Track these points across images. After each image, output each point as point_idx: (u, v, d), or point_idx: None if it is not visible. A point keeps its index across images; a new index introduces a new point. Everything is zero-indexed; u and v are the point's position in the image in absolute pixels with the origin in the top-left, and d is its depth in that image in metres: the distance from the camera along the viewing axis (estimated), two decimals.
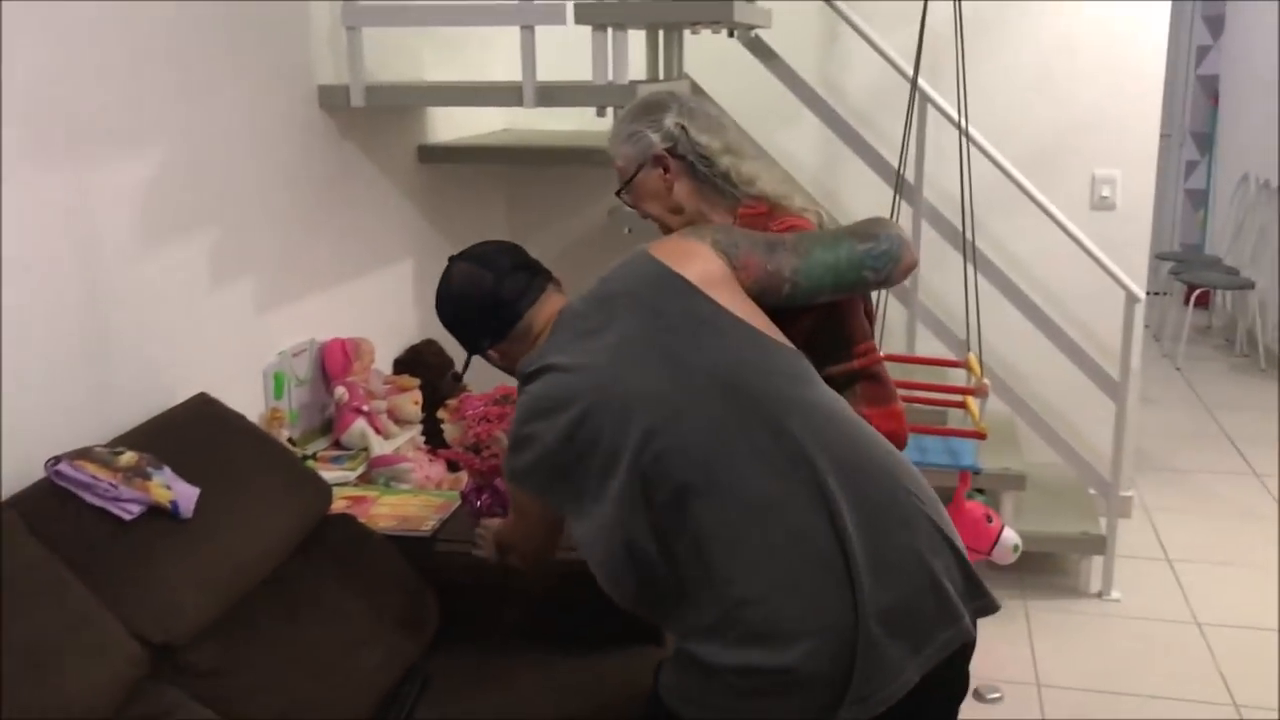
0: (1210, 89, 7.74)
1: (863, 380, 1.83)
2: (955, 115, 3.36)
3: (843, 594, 1.51)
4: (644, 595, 1.63)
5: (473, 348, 1.87)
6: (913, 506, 1.60)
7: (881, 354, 1.96)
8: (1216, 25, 7.65)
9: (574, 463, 1.63)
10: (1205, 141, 7.81)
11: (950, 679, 1.63)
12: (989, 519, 3.04)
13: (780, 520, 1.54)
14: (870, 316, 1.93)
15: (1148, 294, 3.80)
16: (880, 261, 1.78)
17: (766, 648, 1.51)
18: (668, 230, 1.94)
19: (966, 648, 1.60)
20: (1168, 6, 3.81)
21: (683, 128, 1.91)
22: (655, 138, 1.91)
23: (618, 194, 2.01)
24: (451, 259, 1.88)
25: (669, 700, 1.61)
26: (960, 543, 1.64)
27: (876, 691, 1.50)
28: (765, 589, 1.52)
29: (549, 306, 1.80)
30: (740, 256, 1.74)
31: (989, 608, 1.64)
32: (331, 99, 2.92)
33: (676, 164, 1.91)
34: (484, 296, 1.81)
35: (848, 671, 1.49)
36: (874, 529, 1.55)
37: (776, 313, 1.76)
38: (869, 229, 1.82)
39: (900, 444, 1.83)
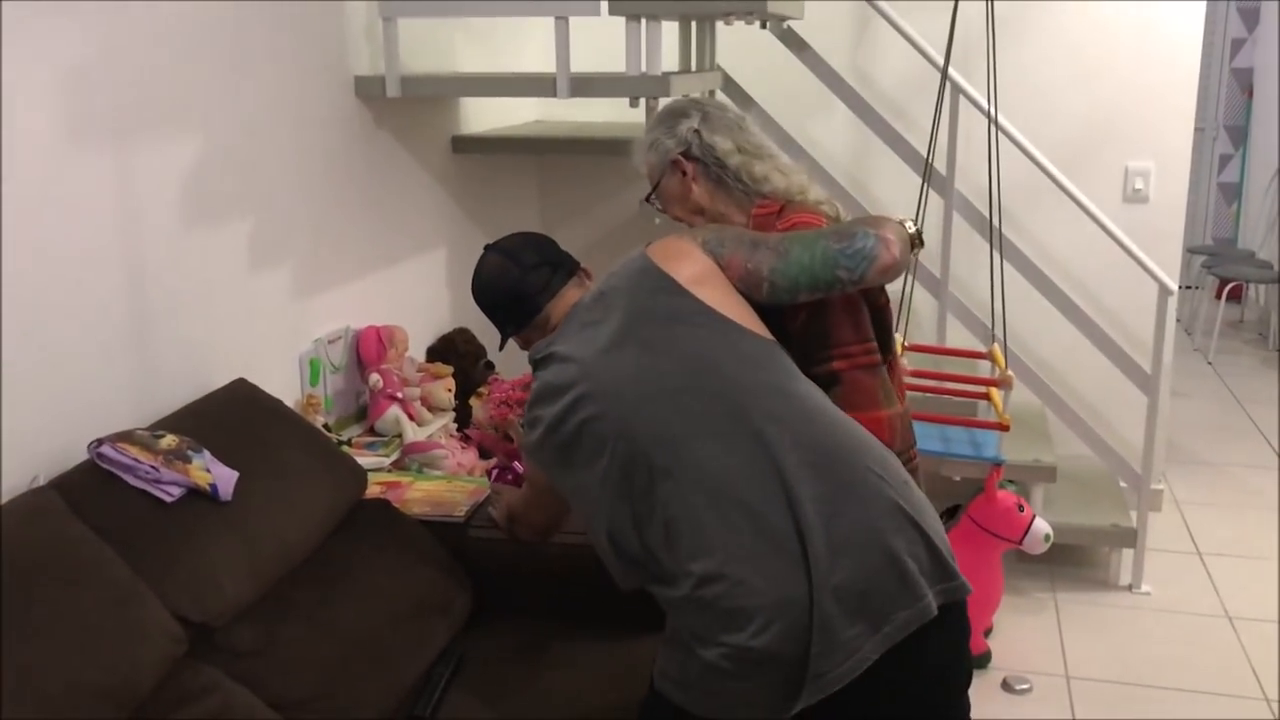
0: (1245, 82, 7.66)
1: (841, 384, 1.81)
2: (985, 105, 3.35)
3: (797, 572, 1.54)
4: (630, 579, 1.73)
5: (501, 331, 1.98)
6: (876, 487, 1.62)
7: (907, 345, 1.95)
8: (1251, 18, 7.57)
9: (569, 445, 1.73)
10: (1239, 135, 7.73)
11: (934, 665, 1.62)
12: (1020, 508, 3.05)
13: (737, 499, 1.59)
14: (883, 321, 1.89)
15: (1180, 288, 3.78)
16: (853, 260, 1.77)
17: (729, 627, 1.55)
18: None
19: (931, 629, 1.58)
20: None
21: (697, 131, 1.97)
22: (671, 143, 1.98)
23: (648, 200, 2.08)
24: (487, 248, 1.98)
25: (659, 683, 1.67)
26: (930, 524, 1.64)
27: (832, 669, 1.53)
28: (723, 567, 1.56)
29: (567, 299, 1.89)
30: (725, 255, 1.80)
31: (958, 590, 1.63)
32: (367, 89, 2.95)
33: (693, 166, 1.97)
34: (509, 289, 1.91)
35: (806, 651, 1.52)
36: (833, 508, 1.58)
37: (776, 310, 1.80)
38: (848, 228, 1.82)
39: None
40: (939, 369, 3.36)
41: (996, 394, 3.08)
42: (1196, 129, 4.00)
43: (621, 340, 1.73)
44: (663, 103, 2.26)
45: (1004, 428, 3.04)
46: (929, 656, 1.60)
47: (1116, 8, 3.81)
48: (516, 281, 1.91)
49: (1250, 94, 7.63)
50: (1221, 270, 6.45)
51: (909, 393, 2.35)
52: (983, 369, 3.58)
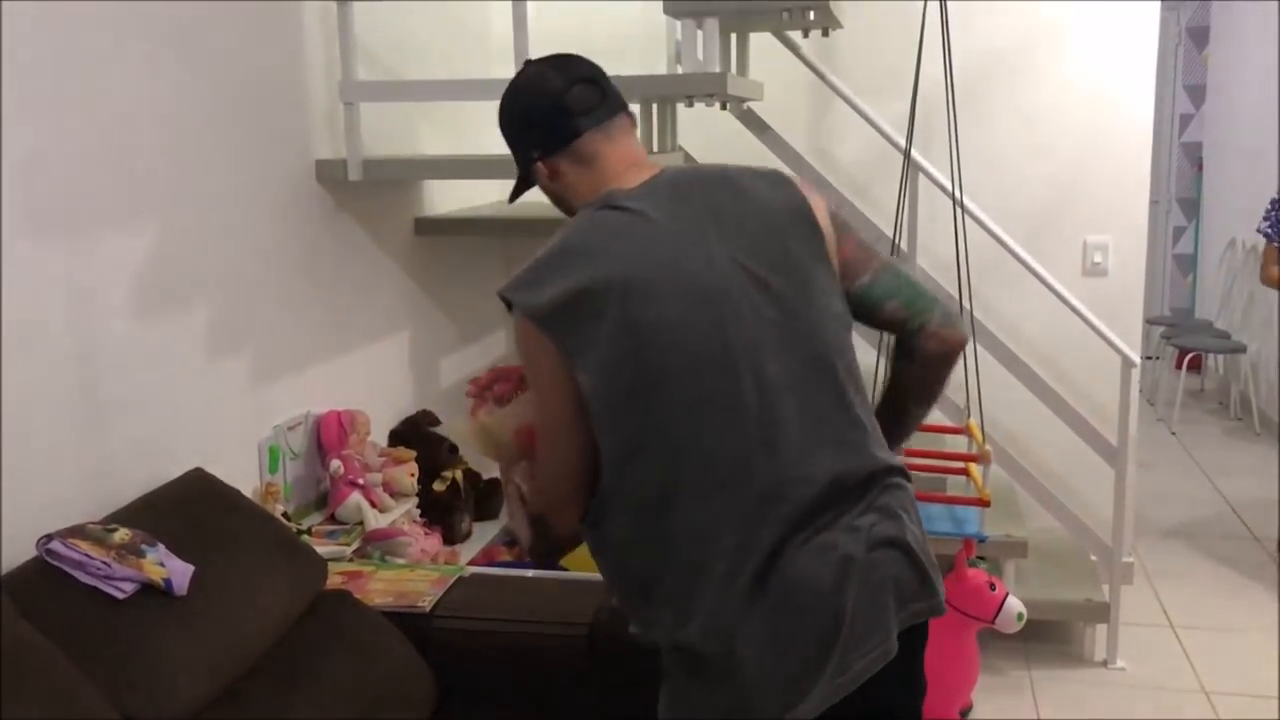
0: (1194, 156, 7.84)
1: None
2: (949, 185, 3.39)
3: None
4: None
5: (523, 161, 1.71)
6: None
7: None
8: (1197, 94, 7.77)
9: (599, 301, 1.51)
10: (1191, 207, 7.89)
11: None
12: (992, 587, 3.02)
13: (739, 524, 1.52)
14: None
15: (1141, 359, 3.81)
16: (948, 317, 1.72)
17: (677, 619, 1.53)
18: None
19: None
20: (1153, 77, 3.87)
21: None
22: None
23: None
24: (528, 61, 1.73)
25: None
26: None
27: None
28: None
29: (619, 144, 1.66)
30: (847, 231, 1.69)
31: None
32: (329, 173, 2.93)
33: None
34: (547, 100, 1.65)
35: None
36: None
37: None
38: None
39: None
40: (910, 445, 3.34)
41: (976, 469, 3.07)
42: (1151, 202, 4.07)
43: (741, 263, 1.54)
44: None
45: (984, 503, 3.02)
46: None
47: (1070, 86, 3.88)
48: (559, 92, 1.63)
49: (1200, 168, 7.80)
50: (1181, 341, 6.53)
51: None
52: (953, 444, 3.57)
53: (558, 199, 1.73)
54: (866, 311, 1.71)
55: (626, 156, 1.67)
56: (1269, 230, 4.00)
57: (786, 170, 1.75)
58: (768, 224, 1.61)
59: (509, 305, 1.58)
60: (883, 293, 1.70)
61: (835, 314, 1.63)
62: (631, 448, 1.52)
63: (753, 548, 1.50)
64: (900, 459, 1.69)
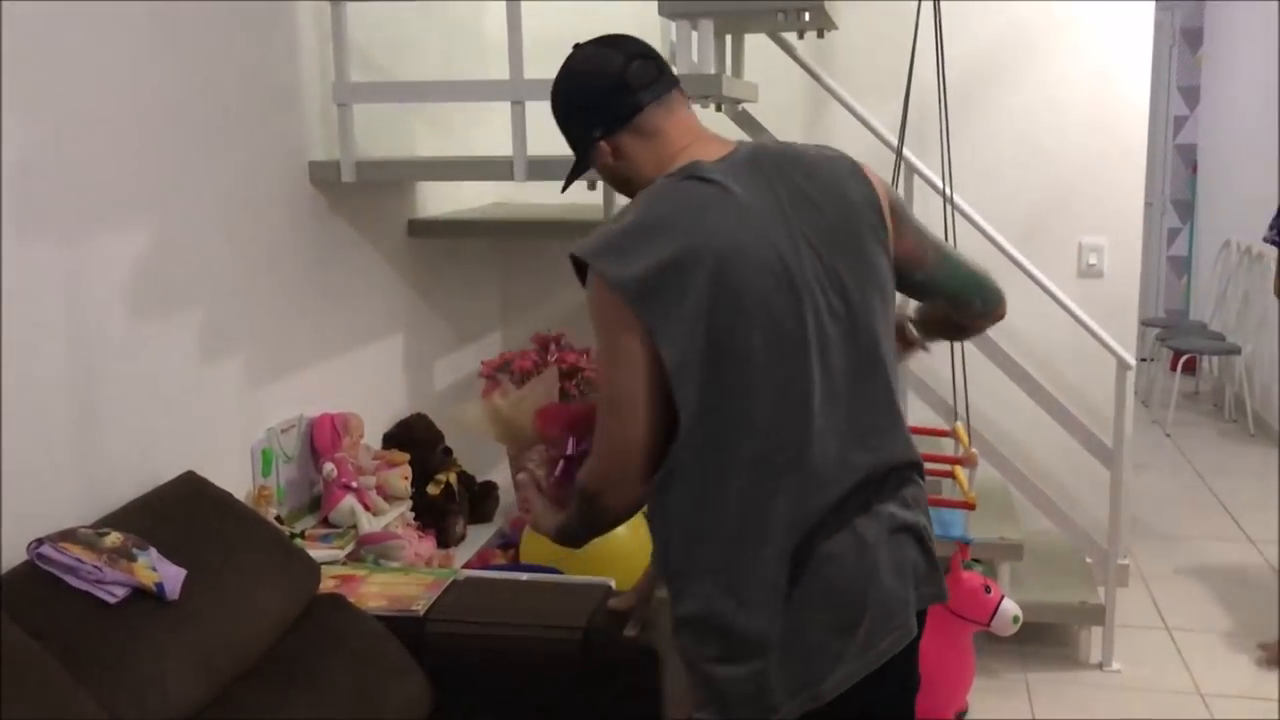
0: (1188, 158, 7.85)
1: None
2: (940, 185, 3.38)
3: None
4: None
5: (583, 143, 1.67)
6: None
7: None
8: (1191, 96, 7.78)
9: (689, 273, 1.49)
10: (1186, 209, 7.90)
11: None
12: (987, 589, 3.01)
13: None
14: None
15: (1137, 360, 3.80)
16: (987, 303, 1.83)
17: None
18: None
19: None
20: (1147, 79, 3.87)
21: None
22: None
23: None
24: (577, 45, 1.71)
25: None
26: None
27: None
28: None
29: (678, 114, 1.65)
30: (908, 219, 1.73)
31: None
32: (322, 175, 2.92)
33: None
34: (607, 77, 1.63)
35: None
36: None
37: None
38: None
39: None
40: None
41: (961, 472, 3.05)
42: (1145, 204, 4.07)
43: (815, 247, 1.56)
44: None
45: (970, 506, 3.01)
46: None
47: (1065, 87, 3.88)
48: (619, 69, 1.62)
49: (1194, 169, 7.81)
50: (1176, 342, 6.54)
51: None
52: (944, 446, 3.56)
53: (619, 179, 1.69)
54: (917, 297, 1.84)
55: (688, 129, 1.66)
56: (1278, 239, 3.83)
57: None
58: (841, 211, 1.61)
59: (580, 269, 1.56)
60: (936, 288, 1.80)
61: (888, 307, 1.66)
62: (706, 421, 1.52)
63: (797, 527, 1.54)
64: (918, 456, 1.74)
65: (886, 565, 1.59)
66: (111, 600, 1.85)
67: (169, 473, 2.29)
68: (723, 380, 1.51)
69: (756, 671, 1.55)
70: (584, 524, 1.68)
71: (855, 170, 1.68)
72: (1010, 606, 2.99)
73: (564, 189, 1.81)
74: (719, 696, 1.58)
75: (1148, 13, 3.83)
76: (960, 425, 3.20)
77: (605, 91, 1.63)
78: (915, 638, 1.66)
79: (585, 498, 1.62)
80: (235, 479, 2.55)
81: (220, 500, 2.28)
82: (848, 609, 1.56)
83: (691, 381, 1.50)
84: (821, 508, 1.55)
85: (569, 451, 1.81)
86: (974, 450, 3.12)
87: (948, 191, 3.34)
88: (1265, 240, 3.80)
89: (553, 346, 1.74)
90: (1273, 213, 4.21)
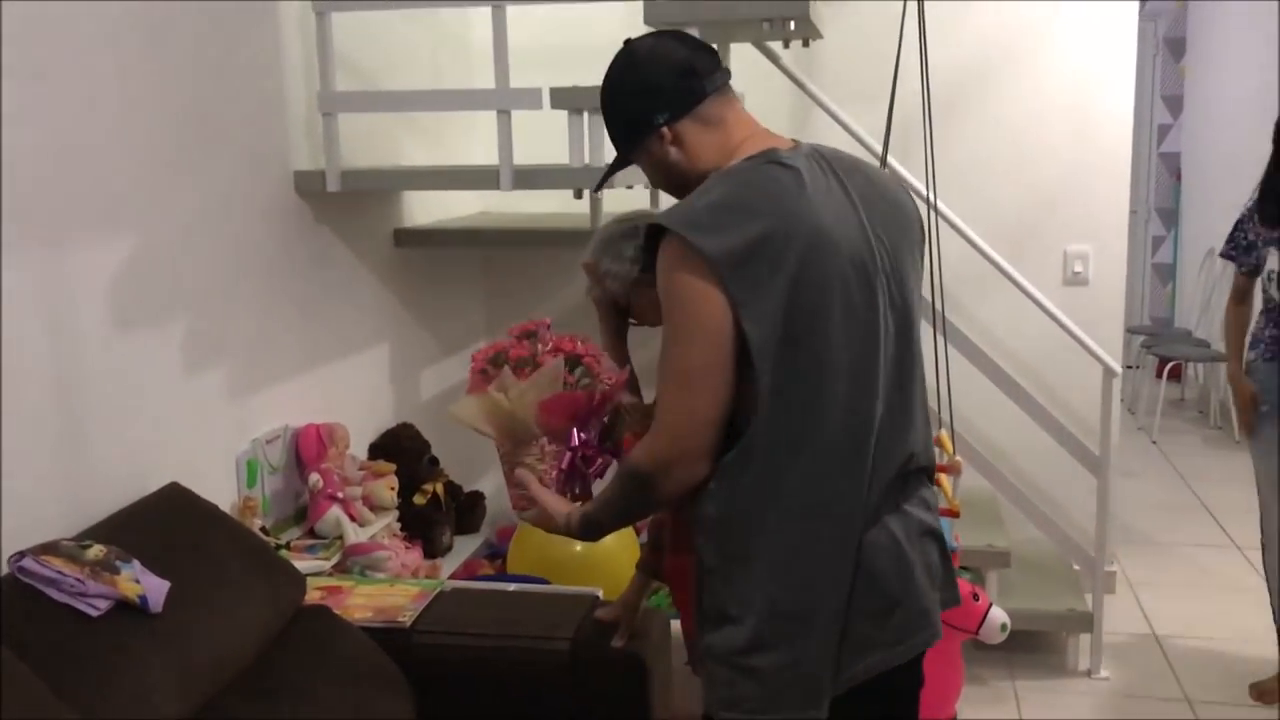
0: (1172, 166, 7.89)
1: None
2: (925, 192, 3.39)
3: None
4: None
5: (642, 129, 1.64)
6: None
7: None
8: (1175, 105, 7.82)
9: (779, 251, 1.51)
10: (1170, 217, 7.94)
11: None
12: (975, 597, 3.00)
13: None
14: None
15: (1122, 368, 3.81)
16: None
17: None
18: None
19: None
20: (1131, 88, 3.89)
21: (639, 249, 1.90)
22: (624, 268, 1.90)
23: (629, 322, 1.98)
24: (628, 41, 1.70)
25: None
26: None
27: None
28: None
29: (736, 106, 1.67)
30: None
31: None
32: (307, 184, 2.91)
33: None
34: (675, 62, 1.63)
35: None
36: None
37: None
38: None
39: None
40: None
41: (945, 480, 3.06)
42: (1130, 211, 4.08)
43: (878, 246, 1.60)
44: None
45: (954, 514, 3.01)
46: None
47: (1050, 96, 3.89)
48: (688, 56, 1.63)
49: (1178, 177, 7.85)
50: (1161, 350, 6.56)
51: None
52: None
53: (671, 171, 1.67)
54: None
55: (748, 121, 1.68)
56: (1233, 253, 3.49)
57: None
58: (897, 217, 1.67)
59: (651, 239, 1.56)
60: None
61: (920, 314, 1.71)
62: (777, 402, 1.53)
63: (854, 512, 1.58)
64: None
65: (920, 564, 1.65)
66: (94, 613, 1.83)
67: (153, 484, 2.28)
68: (799, 362, 1.52)
69: (796, 659, 1.57)
70: (627, 510, 1.64)
71: (904, 188, 1.75)
72: (998, 614, 2.99)
73: (597, 189, 1.83)
74: (758, 688, 1.59)
75: (1131, 22, 3.85)
76: (944, 433, 3.20)
77: (674, 75, 1.62)
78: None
79: (638, 480, 1.57)
80: (220, 490, 2.53)
81: (205, 512, 2.27)
82: (886, 598, 1.61)
83: (770, 359, 1.51)
84: (870, 496, 1.59)
85: (574, 443, 1.78)
86: (958, 458, 3.13)
87: (932, 199, 3.35)
88: (1221, 255, 3.66)
89: (546, 333, 1.69)
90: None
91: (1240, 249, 3.42)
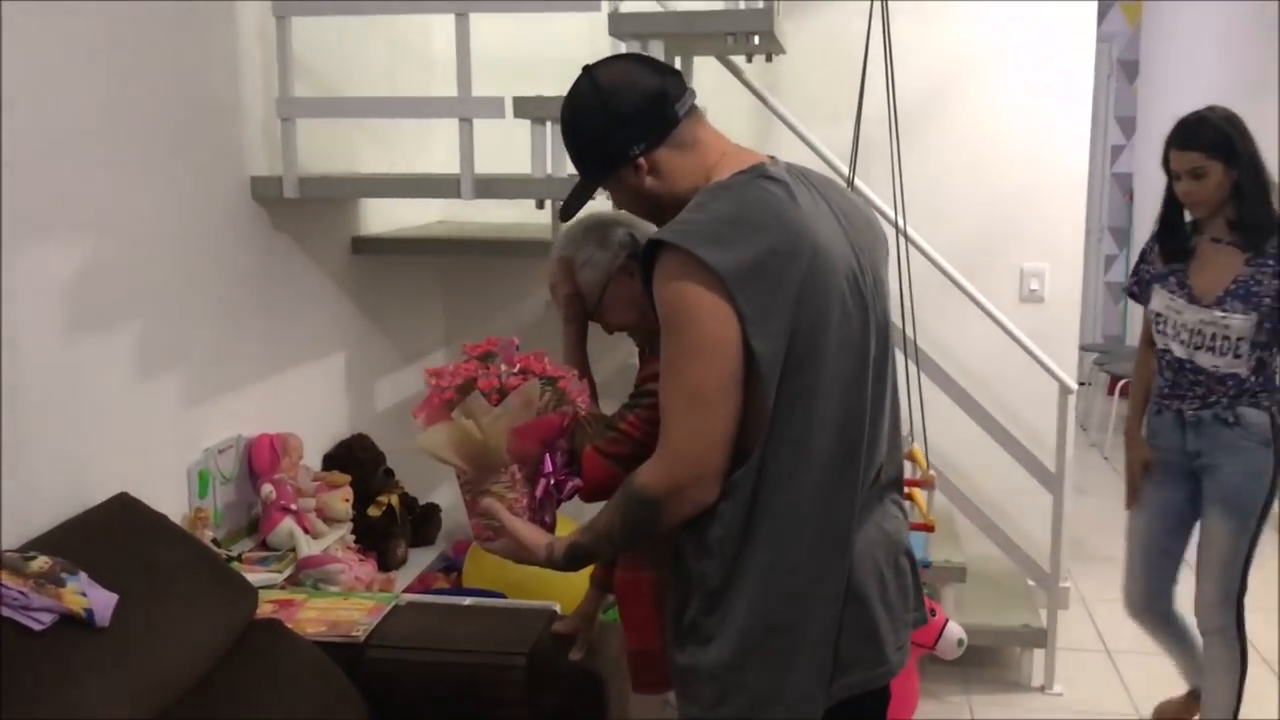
0: (1125, 186, 8.01)
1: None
2: (891, 214, 3.40)
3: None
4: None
5: (616, 162, 1.59)
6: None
7: None
8: (1128, 126, 7.95)
9: (786, 266, 1.50)
10: (1122, 236, 8.05)
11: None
12: (932, 612, 3.01)
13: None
14: None
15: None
16: None
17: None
18: (648, 337, 1.90)
19: None
20: (1088, 109, 3.93)
21: (631, 236, 1.93)
22: (609, 255, 1.91)
23: (591, 318, 1.97)
24: (587, 68, 1.63)
25: None
26: None
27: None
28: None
29: (706, 124, 1.64)
30: None
31: None
32: (264, 190, 2.87)
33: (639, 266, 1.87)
34: (647, 91, 1.57)
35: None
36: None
37: None
38: None
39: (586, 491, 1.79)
40: None
41: (919, 494, 3.07)
42: (1084, 231, 4.13)
43: (861, 261, 1.61)
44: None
45: (929, 528, 3.02)
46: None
47: (1009, 119, 3.93)
48: (658, 82, 1.58)
49: (1130, 197, 7.97)
50: (1113, 367, 6.64)
51: None
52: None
53: (648, 199, 1.63)
54: None
55: (720, 140, 1.66)
56: (1135, 289, 3.02)
57: None
58: (870, 234, 1.68)
59: (649, 256, 1.54)
60: None
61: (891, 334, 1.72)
62: (786, 417, 1.52)
63: (850, 530, 1.59)
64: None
65: (894, 586, 1.67)
66: (37, 627, 1.78)
67: (101, 494, 2.23)
68: (801, 378, 1.51)
69: (788, 674, 1.57)
70: (629, 537, 1.58)
71: (869, 206, 1.79)
72: (955, 629, 3.00)
73: (565, 217, 1.76)
74: (749, 704, 1.59)
75: (1089, 44, 3.90)
76: (917, 448, 3.21)
77: (646, 104, 1.57)
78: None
79: (646, 505, 1.52)
80: (171, 501, 2.48)
81: (154, 523, 2.22)
82: (870, 617, 1.62)
83: (777, 376, 1.50)
84: (858, 512, 1.60)
85: (548, 469, 1.73)
86: (932, 472, 3.14)
87: (900, 223, 3.36)
88: (1124, 291, 3.45)
89: (512, 352, 1.63)
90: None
91: (1143, 284, 2.97)
